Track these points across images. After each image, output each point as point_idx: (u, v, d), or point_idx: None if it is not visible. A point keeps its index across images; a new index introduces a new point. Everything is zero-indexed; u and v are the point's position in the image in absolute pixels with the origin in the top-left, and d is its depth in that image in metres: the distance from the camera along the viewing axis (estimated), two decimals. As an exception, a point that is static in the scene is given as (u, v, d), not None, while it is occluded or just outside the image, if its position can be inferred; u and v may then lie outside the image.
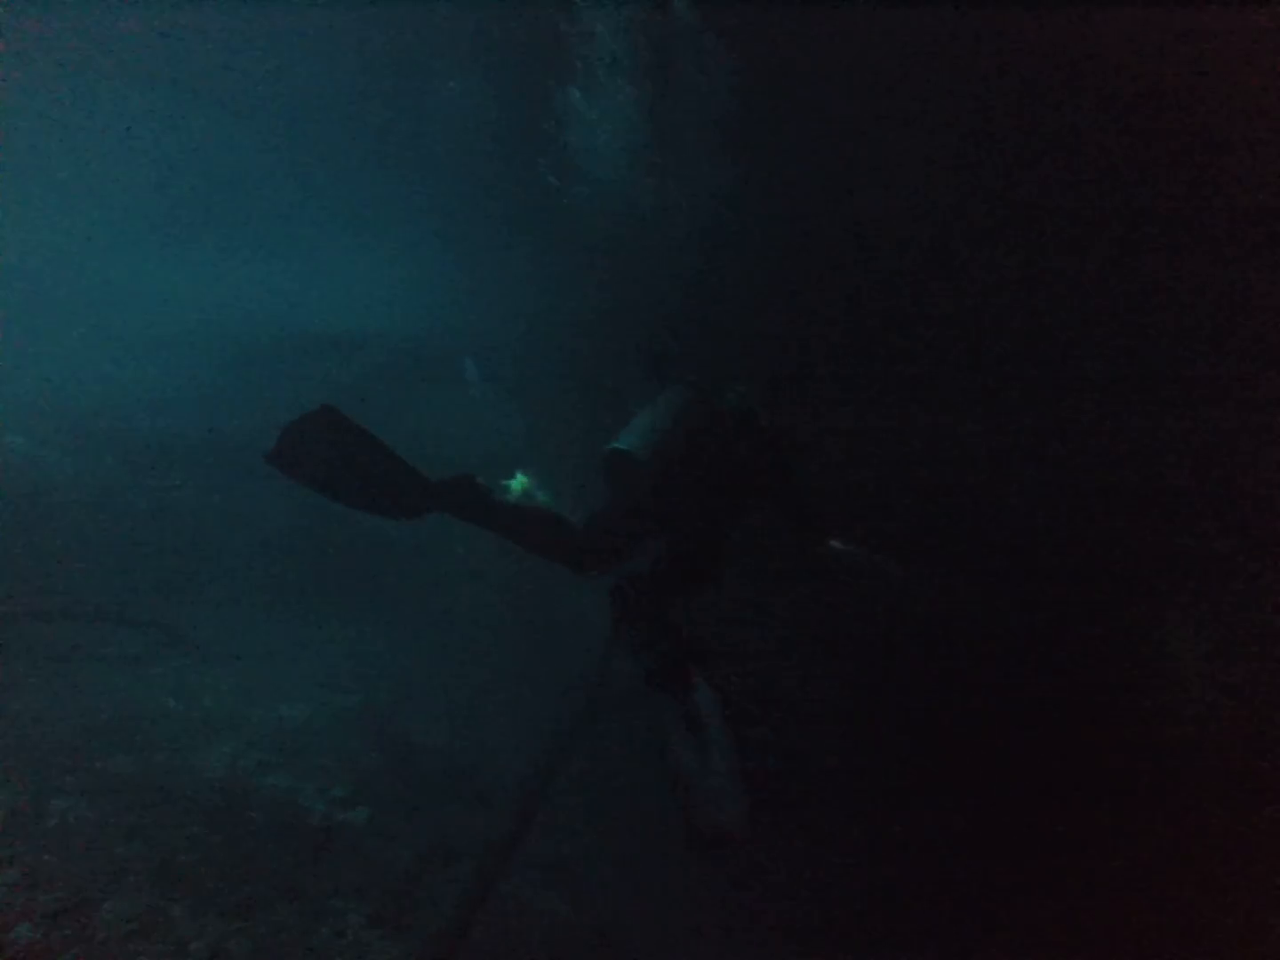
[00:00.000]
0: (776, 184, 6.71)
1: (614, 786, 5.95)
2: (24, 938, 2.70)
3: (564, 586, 8.85)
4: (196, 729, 4.66)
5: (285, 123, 8.60)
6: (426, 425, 10.35)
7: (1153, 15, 5.36)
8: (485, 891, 4.42)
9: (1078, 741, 5.45)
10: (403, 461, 3.63)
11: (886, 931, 5.04)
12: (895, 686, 5.89)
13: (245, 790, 4.20)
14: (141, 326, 9.51)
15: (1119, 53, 5.52)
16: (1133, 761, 5.38)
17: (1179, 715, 5.51)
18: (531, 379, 9.91)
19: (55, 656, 5.14)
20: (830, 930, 5.08)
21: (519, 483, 4.13)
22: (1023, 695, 5.65)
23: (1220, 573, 5.73)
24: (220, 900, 3.32)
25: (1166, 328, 5.89)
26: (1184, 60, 5.39)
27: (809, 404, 6.38)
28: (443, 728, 6.37)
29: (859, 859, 5.43)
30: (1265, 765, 5.36)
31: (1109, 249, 5.92)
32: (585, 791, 5.91)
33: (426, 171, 8.77)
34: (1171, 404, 5.92)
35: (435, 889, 4.23)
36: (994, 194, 6.04)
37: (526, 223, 9.07)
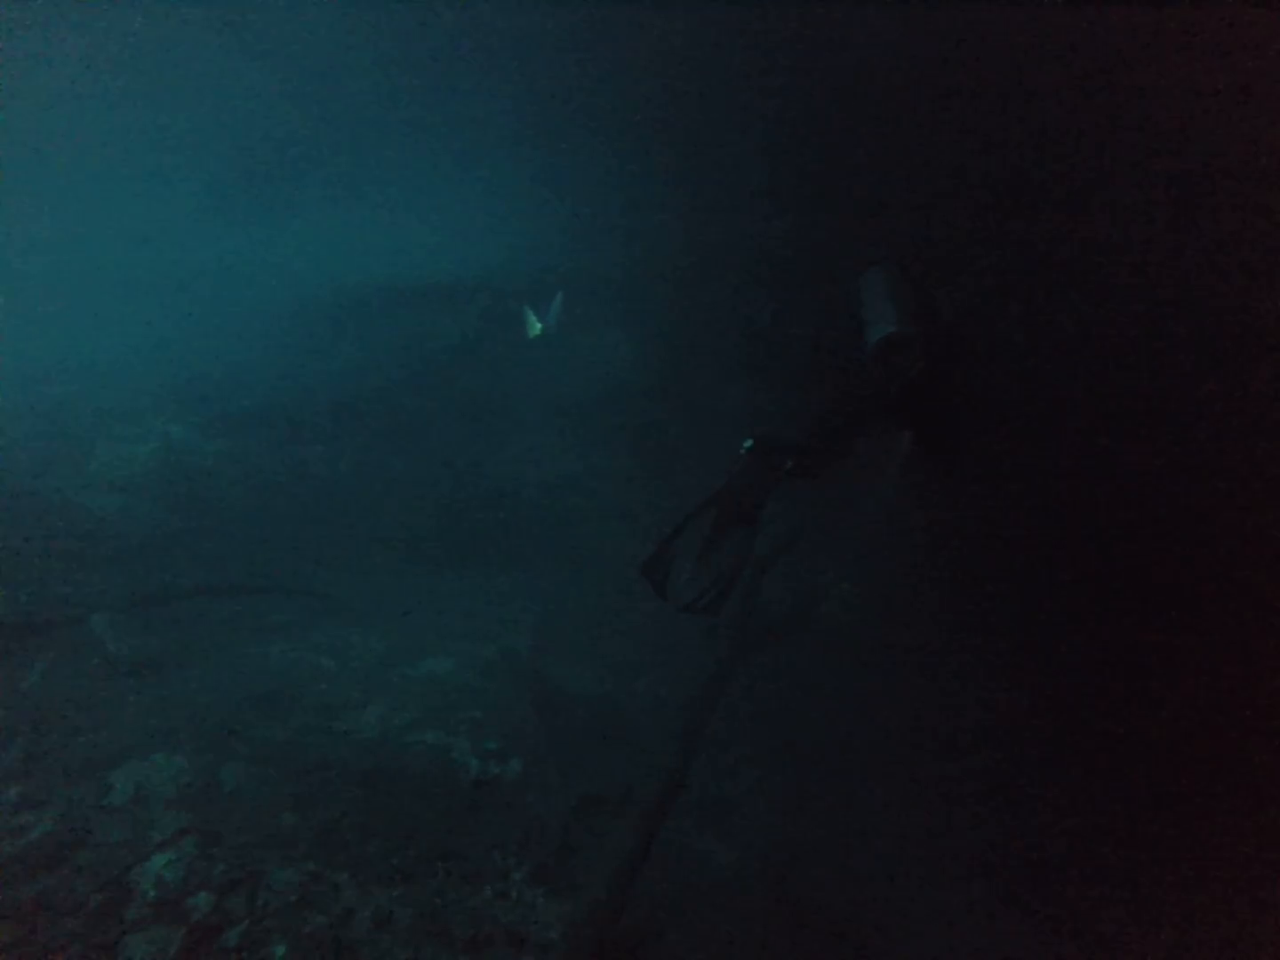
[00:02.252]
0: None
1: (769, 723, 5.66)
2: (203, 906, 2.77)
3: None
4: (350, 691, 4.76)
5: (368, 67, 8.38)
6: (532, 375, 10.21)
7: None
8: (647, 843, 4.25)
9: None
10: None
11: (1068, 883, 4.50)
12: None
13: (399, 750, 4.22)
14: (250, 298, 9.85)
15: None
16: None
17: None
18: (648, 308, 9.48)
19: (221, 628, 5.42)
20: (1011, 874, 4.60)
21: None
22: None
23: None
24: (382, 866, 3.31)
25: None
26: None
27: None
28: (589, 673, 6.30)
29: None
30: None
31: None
32: (741, 730, 5.66)
33: (517, 98, 8.34)
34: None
35: (595, 841, 4.11)
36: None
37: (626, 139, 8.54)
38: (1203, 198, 5.52)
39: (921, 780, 5.34)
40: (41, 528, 5.84)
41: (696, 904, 4.05)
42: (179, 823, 3.11)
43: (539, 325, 9.95)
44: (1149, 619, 5.33)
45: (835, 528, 6.05)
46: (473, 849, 3.61)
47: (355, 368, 10.06)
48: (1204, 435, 5.57)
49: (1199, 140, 5.50)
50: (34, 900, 2.57)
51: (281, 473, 7.98)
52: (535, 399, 10.16)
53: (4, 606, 4.73)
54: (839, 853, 4.91)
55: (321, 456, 8.84)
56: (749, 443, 3.85)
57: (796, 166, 7.35)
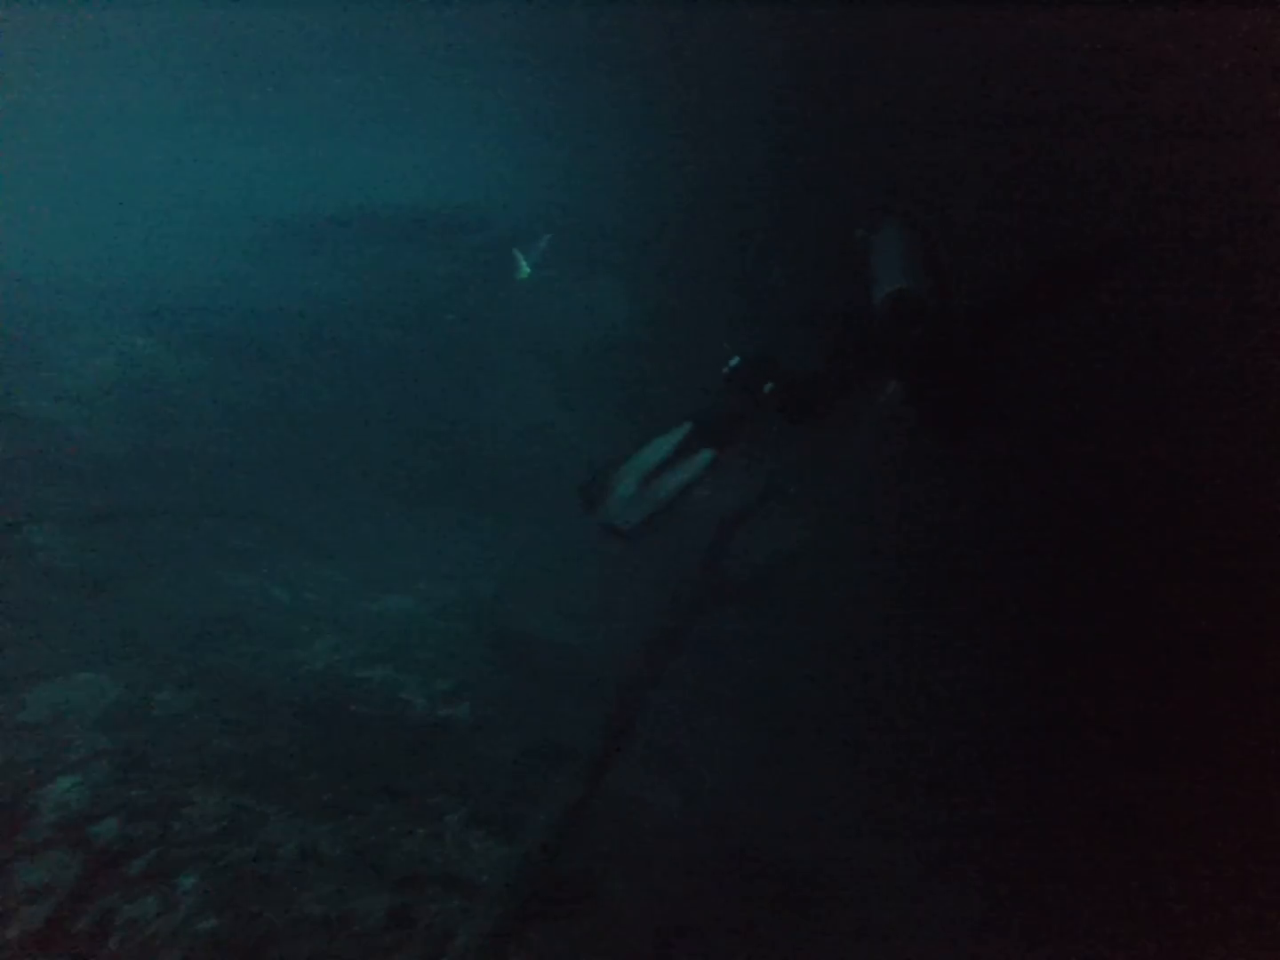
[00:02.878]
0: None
1: (726, 677, 5.56)
2: (107, 833, 2.63)
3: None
4: (302, 623, 4.60)
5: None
6: (521, 319, 9.92)
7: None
8: (593, 788, 4.17)
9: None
10: None
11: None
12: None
13: (346, 684, 4.08)
14: (227, 215, 9.41)
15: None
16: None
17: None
18: (645, 259, 9.17)
19: (172, 550, 5.22)
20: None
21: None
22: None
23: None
24: (316, 799, 3.19)
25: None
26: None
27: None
28: (550, 619, 6.17)
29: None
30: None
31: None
32: (697, 682, 5.57)
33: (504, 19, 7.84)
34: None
35: (541, 786, 4.01)
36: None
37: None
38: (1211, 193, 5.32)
39: (873, 744, 5.30)
40: (-13, 435, 5.59)
41: (638, 851, 3.98)
42: (97, 744, 2.96)
43: (526, 267, 9.64)
44: (1119, 611, 5.27)
45: (809, 486, 5.88)
46: (413, 789, 3.50)
47: (341, 297, 9.70)
48: (1203, 436, 5.43)
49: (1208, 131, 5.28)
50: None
51: (251, 397, 7.70)
52: (522, 345, 9.89)
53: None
54: (786, 808, 4.87)
55: (296, 383, 8.55)
56: (735, 360, 3.64)
57: (807, 126, 7.01)
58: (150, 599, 4.56)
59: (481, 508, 8.06)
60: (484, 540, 7.23)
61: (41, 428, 6.07)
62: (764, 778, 4.86)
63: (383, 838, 3.15)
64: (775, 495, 5.47)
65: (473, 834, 3.38)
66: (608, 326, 9.86)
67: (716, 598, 5.22)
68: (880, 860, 4.61)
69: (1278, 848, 4.51)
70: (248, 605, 4.75)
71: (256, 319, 8.62)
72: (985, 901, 4.42)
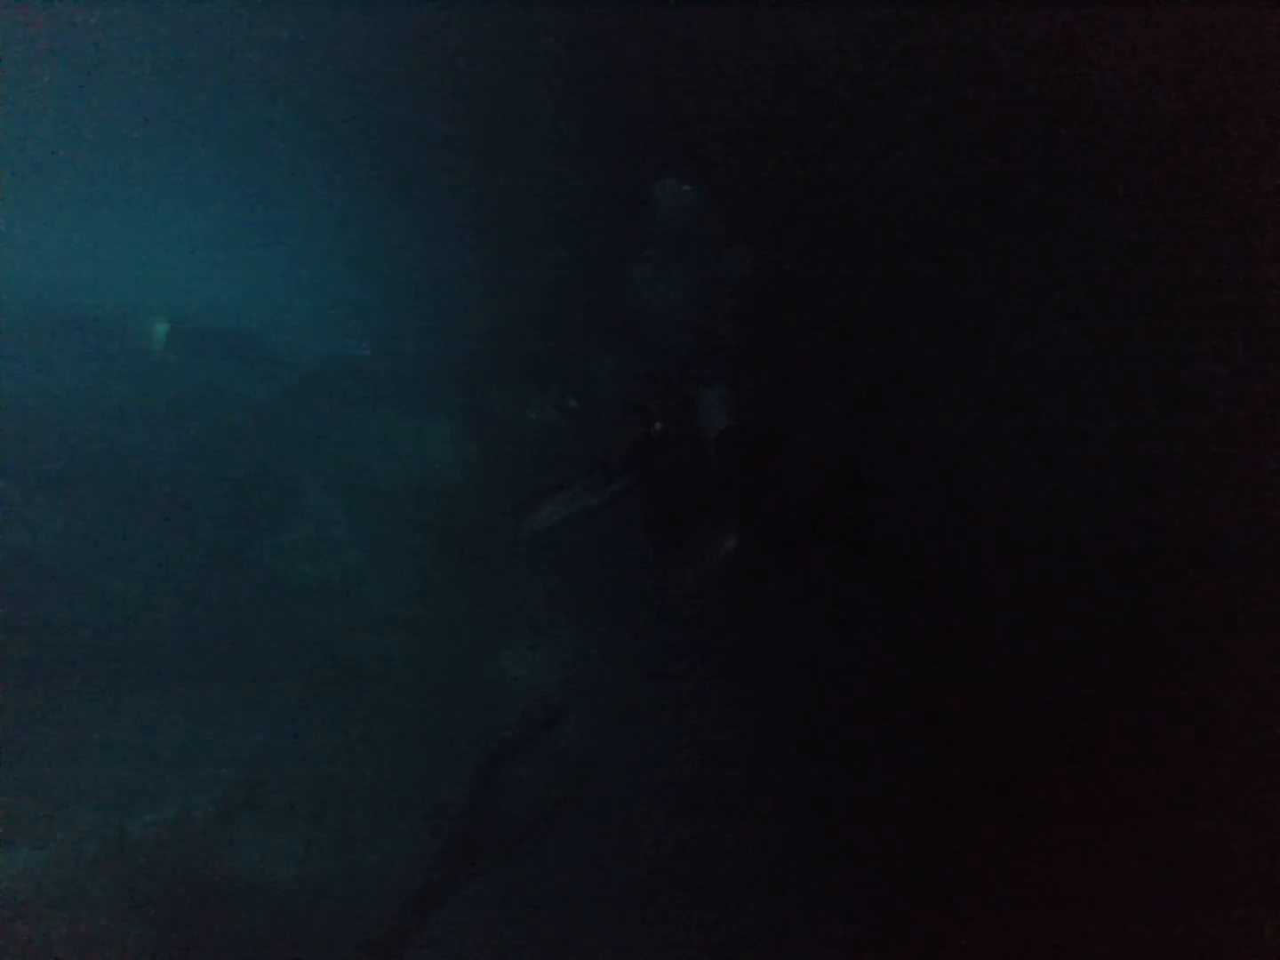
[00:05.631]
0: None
1: (498, 941, 4.37)
2: None
3: (489, 636, 7.39)
4: None
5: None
6: (353, 458, 9.04)
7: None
8: None
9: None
10: None
11: None
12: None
13: None
14: None
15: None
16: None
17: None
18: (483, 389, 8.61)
19: None
20: None
21: None
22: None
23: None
24: None
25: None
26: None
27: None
28: (289, 848, 4.82)
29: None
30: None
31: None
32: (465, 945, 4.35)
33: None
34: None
35: None
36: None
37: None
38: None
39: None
40: None
41: None
42: None
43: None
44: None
45: (608, 686, 5.08)
46: None
47: (109, 416, 8.30)
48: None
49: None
50: None
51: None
52: (333, 484, 8.88)
53: None
54: None
55: (19, 516, 7.00)
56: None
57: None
58: None
59: (248, 683, 6.65)
60: (225, 732, 5.80)
61: None
62: None
63: None
64: (556, 718, 4.60)
65: None
66: (432, 469, 9.18)
67: (486, 848, 4.15)
68: None
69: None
70: None
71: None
72: None
